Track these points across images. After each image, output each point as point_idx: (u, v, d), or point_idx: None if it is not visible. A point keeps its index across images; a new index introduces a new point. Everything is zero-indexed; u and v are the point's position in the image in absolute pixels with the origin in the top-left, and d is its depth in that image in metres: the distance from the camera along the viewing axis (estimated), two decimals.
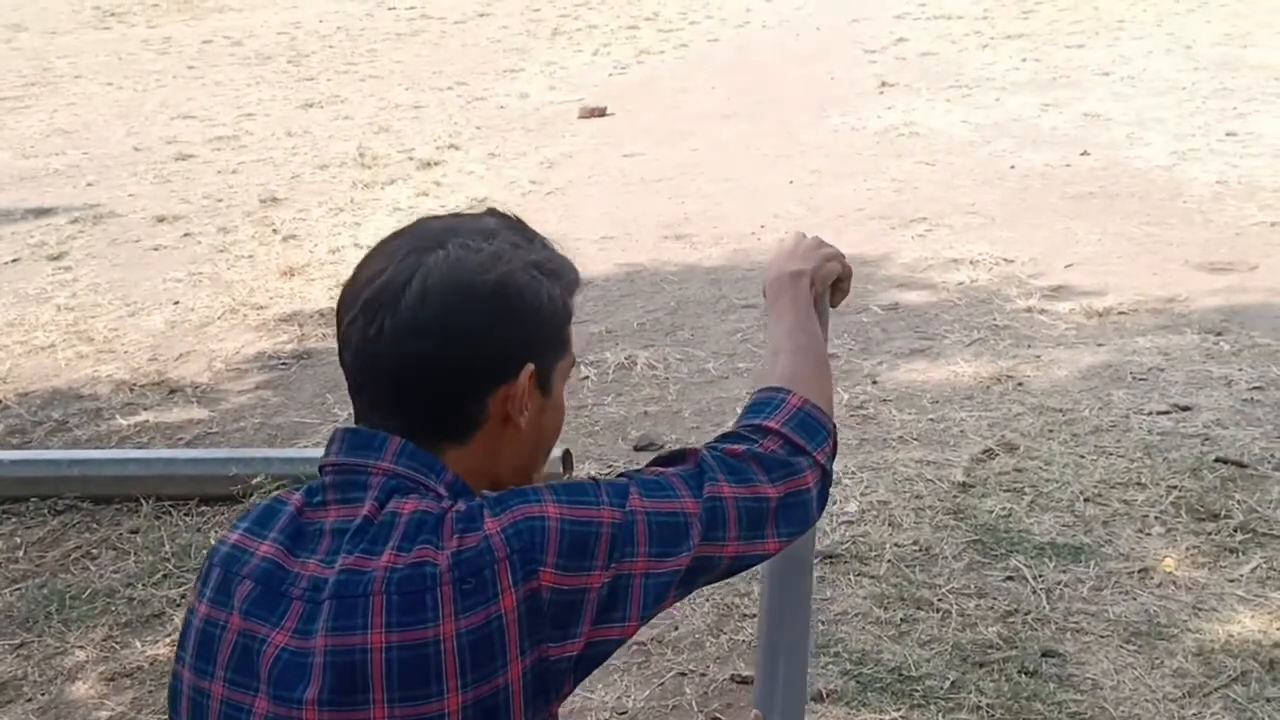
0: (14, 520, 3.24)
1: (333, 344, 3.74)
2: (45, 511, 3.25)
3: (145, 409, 3.93)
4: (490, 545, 0.91)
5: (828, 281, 1.33)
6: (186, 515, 3.20)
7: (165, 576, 2.94)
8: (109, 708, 2.51)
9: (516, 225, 1.04)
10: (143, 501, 3.23)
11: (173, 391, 4.04)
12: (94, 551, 3.08)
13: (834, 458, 1.13)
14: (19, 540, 3.14)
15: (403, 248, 0.97)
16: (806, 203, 5.68)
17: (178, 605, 2.80)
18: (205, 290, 4.99)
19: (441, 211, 5.91)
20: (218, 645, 0.95)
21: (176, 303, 4.87)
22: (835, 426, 1.14)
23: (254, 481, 3.17)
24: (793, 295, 1.23)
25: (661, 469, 1.04)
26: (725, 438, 1.07)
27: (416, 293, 0.95)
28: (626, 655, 2.53)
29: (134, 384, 4.12)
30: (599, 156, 6.83)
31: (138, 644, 2.69)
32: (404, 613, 0.89)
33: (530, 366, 0.99)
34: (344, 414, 3.80)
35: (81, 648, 2.70)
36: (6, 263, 5.54)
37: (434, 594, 0.90)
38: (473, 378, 0.97)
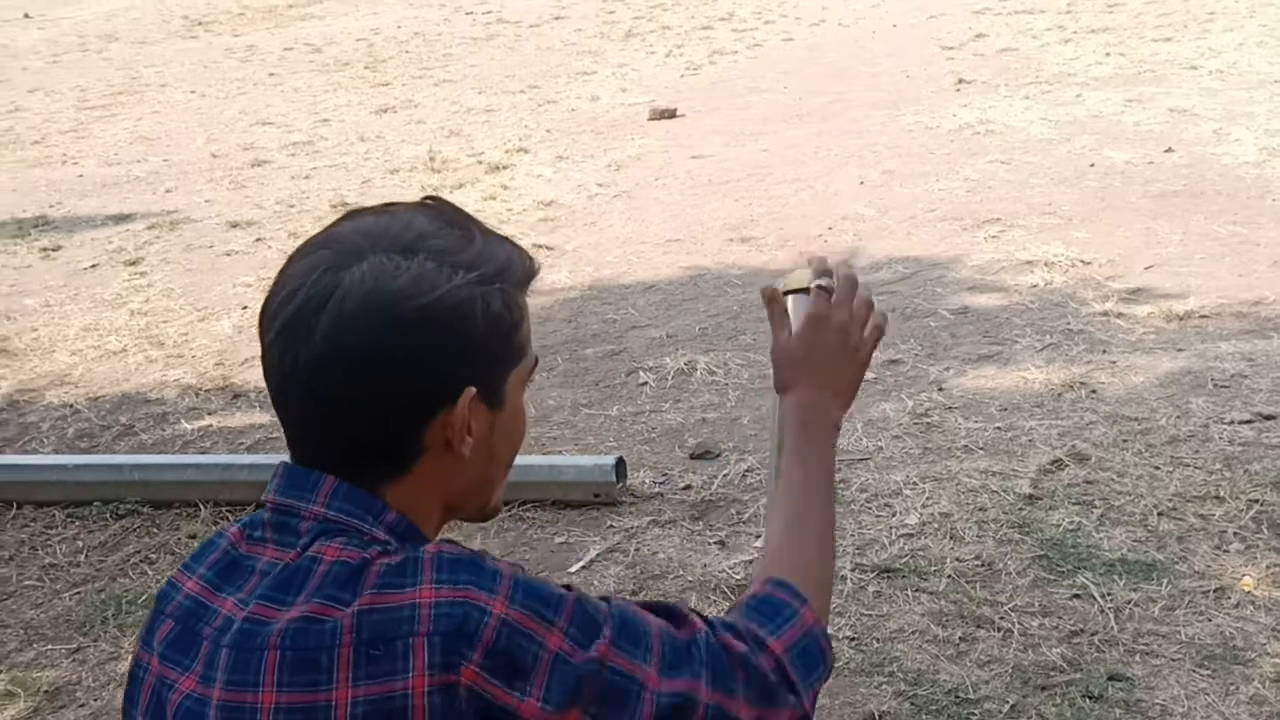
0: (77, 524, 3.28)
1: None
2: (107, 516, 3.29)
3: (210, 414, 3.97)
4: (415, 614, 0.82)
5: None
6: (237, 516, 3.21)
7: None
8: None
9: (451, 220, 0.94)
10: (201, 506, 3.25)
11: (236, 396, 4.07)
12: (152, 556, 3.10)
13: (820, 690, 0.99)
14: (80, 544, 3.18)
15: (319, 262, 0.88)
16: (876, 204, 5.56)
17: None
18: None
19: (501, 214, 5.92)
20: (139, 690, 0.91)
21: (245, 308, 4.91)
22: (833, 655, 1.02)
23: None
24: (823, 449, 1.08)
25: (650, 617, 0.91)
26: (730, 625, 0.94)
27: (332, 319, 0.86)
28: None
29: (200, 389, 4.16)
30: (667, 158, 6.77)
31: None
32: (295, 672, 0.82)
33: (470, 390, 0.91)
34: None
35: None
36: (85, 268, 5.65)
37: (330, 654, 0.82)
38: (403, 410, 0.89)
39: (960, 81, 7.83)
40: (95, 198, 6.94)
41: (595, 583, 2.80)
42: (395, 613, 0.82)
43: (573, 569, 2.87)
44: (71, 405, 4.11)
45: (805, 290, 1.70)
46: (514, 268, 0.96)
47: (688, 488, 3.19)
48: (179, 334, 4.71)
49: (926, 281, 4.57)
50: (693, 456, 3.37)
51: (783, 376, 1.13)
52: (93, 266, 5.67)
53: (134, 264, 5.63)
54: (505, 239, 0.98)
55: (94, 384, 4.29)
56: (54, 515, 3.31)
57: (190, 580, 0.93)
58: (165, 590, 0.94)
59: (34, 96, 10.59)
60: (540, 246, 5.40)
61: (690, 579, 2.76)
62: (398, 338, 0.87)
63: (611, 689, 0.85)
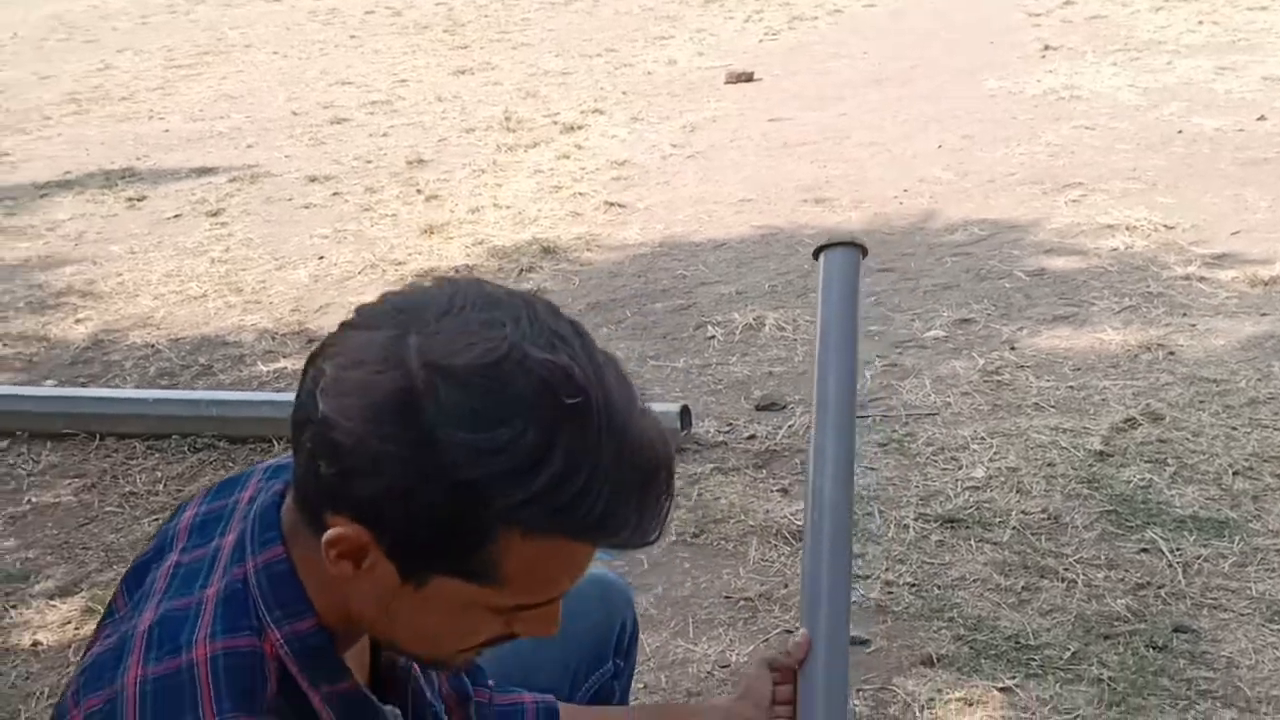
0: (157, 456, 3.37)
1: None
2: (185, 449, 3.37)
3: (285, 357, 4.05)
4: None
5: None
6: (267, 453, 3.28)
7: None
8: None
9: (521, 383, 0.80)
10: (274, 443, 3.31)
11: (310, 341, 4.14)
12: None
13: None
14: (159, 475, 3.27)
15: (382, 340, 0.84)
16: (955, 167, 5.48)
17: None
18: (349, 246, 5.11)
19: (574, 173, 5.94)
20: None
21: (321, 258, 4.99)
22: None
23: None
24: None
25: None
26: None
27: (334, 358, 0.85)
28: (733, 610, 2.48)
29: (276, 333, 4.24)
30: (743, 121, 6.73)
31: None
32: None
33: (360, 530, 0.83)
34: None
35: None
36: (169, 218, 5.78)
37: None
38: (314, 479, 0.85)
39: (1046, 48, 7.66)
40: (180, 152, 7.08)
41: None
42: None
43: None
44: (153, 345, 4.22)
45: (842, 245, 1.69)
46: (540, 509, 0.80)
47: (752, 437, 3.19)
48: (257, 281, 4.80)
49: (1003, 244, 4.49)
50: (758, 408, 3.37)
51: None
52: (176, 216, 5.79)
53: (215, 215, 5.74)
54: (620, 471, 0.82)
55: (175, 326, 4.39)
56: (134, 447, 3.40)
57: (188, 513, 0.96)
58: (173, 512, 0.97)
59: (123, 56, 10.83)
60: (612, 204, 5.41)
61: (751, 523, 2.76)
62: (330, 410, 0.82)
63: None
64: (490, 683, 1.31)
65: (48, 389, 3.76)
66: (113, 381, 3.93)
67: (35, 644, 2.56)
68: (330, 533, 0.83)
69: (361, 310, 0.88)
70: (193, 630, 0.88)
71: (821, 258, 1.68)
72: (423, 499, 0.80)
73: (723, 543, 2.72)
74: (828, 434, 1.49)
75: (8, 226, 5.84)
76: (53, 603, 2.71)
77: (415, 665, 1.08)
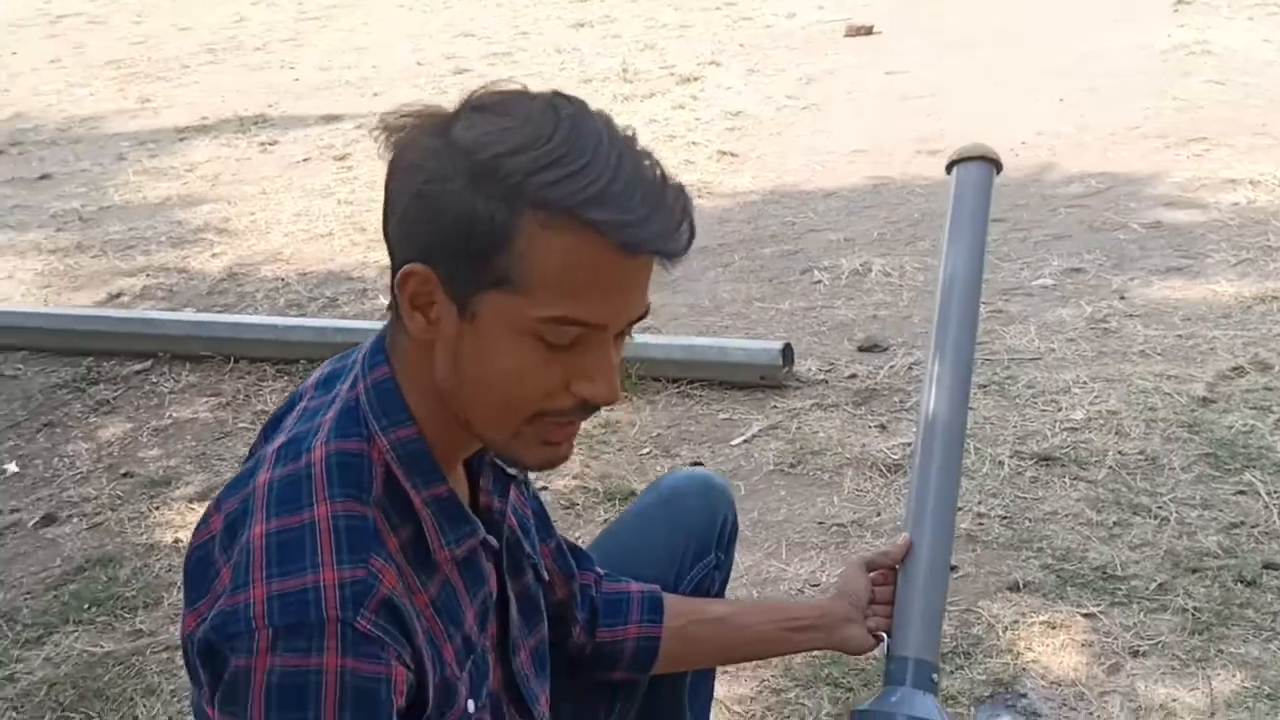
0: (285, 378, 3.57)
1: None
2: (312, 372, 3.56)
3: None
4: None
5: None
6: None
7: None
8: None
9: (549, 119, 0.93)
10: None
11: None
12: None
13: None
14: (288, 395, 3.47)
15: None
16: (1075, 121, 5.39)
17: None
18: None
19: (689, 123, 6.00)
20: None
21: None
22: None
23: None
24: None
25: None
26: None
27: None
28: (825, 535, 2.56)
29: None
30: (860, 74, 6.70)
31: None
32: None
33: (423, 267, 0.95)
34: None
35: None
36: (298, 161, 6.02)
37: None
38: (391, 248, 1.00)
39: (1179, 1, 7.44)
40: (309, 99, 7.34)
41: (756, 455, 2.91)
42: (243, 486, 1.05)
43: (735, 442, 2.98)
44: (283, 279, 4.44)
45: (976, 159, 1.74)
46: (546, 184, 0.91)
47: (853, 376, 3.24)
48: (379, 222, 4.98)
49: (1120, 196, 4.44)
50: (861, 349, 3.42)
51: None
52: (304, 160, 6.03)
53: (342, 159, 5.96)
54: (624, 168, 0.93)
55: (303, 262, 4.60)
56: (265, 369, 3.61)
57: (316, 373, 1.16)
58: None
59: (257, 8, 11.18)
60: (725, 154, 5.47)
61: (848, 456, 2.83)
62: (390, 174, 0.99)
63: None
64: (599, 570, 1.42)
65: (187, 315, 4.00)
66: (246, 310, 4.16)
67: (176, 540, 2.77)
68: (401, 270, 0.96)
69: None
70: (312, 441, 1.02)
71: (954, 171, 1.72)
72: (450, 191, 0.92)
73: (819, 473, 2.79)
74: (946, 357, 1.56)
75: (151, 168, 6.16)
76: (191, 505, 2.93)
77: (511, 515, 1.20)
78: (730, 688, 2.10)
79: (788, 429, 3.00)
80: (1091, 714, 1.96)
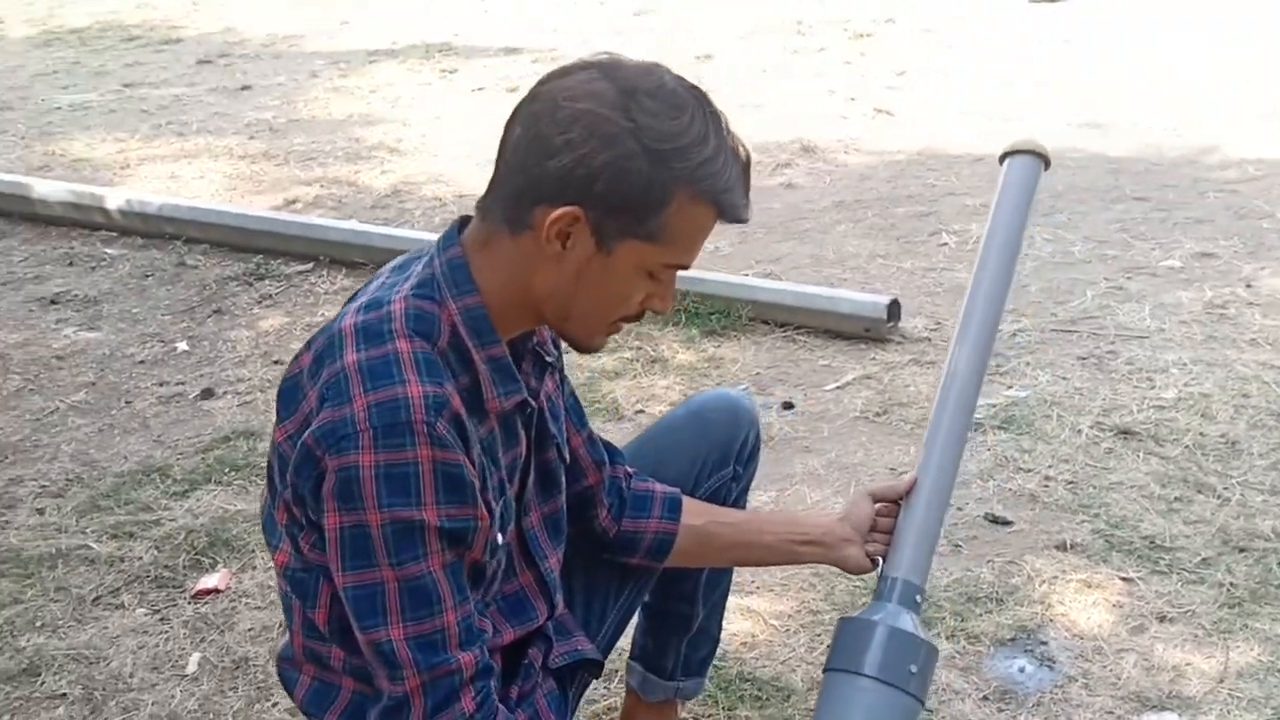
0: None
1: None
2: None
3: None
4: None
5: None
6: None
7: None
8: None
9: (689, 104, 1.19)
10: None
11: None
12: None
13: None
14: None
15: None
16: (1254, 105, 5.24)
17: None
18: None
19: (853, 79, 6.04)
20: None
21: None
22: None
23: None
24: None
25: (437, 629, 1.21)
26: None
27: (538, 96, 1.20)
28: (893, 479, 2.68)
29: None
30: (1037, 43, 6.61)
31: None
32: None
33: (578, 210, 1.17)
34: (712, 246, 4.13)
35: None
36: (474, 90, 6.33)
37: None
38: (533, 180, 1.18)
39: None
40: (493, 32, 7.64)
41: (845, 401, 3.04)
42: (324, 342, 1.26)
43: (828, 387, 3.12)
44: (440, 199, 4.74)
45: (1026, 153, 1.84)
46: (701, 174, 1.18)
47: None
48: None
49: (1275, 185, 4.33)
50: None
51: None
52: (479, 89, 6.33)
53: (513, 90, 6.23)
54: (736, 160, 1.22)
55: (463, 185, 4.89)
56: None
57: (392, 261, 1.41)
58: None
59: None
60: (881, 111, 5.52)
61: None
62: (557, 123, 1.17)
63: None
64: (630, 469, 1.62)
65: (350, 224, 4.33)
66: (403, 225, 4.47)
67: None
68: (554, 213, 1.17)
69: None
70: (392, 297, 1.25)
71: (1005, 163, 1.84)
72: (632, 166, 1.16)
73: (901, 424, 2.91)
74: (973, 321, 1.69)
75: (340, 86, 6.57)
76: None
77: (543, 398, 1.40)
78: (772, 603, 2.28)
79: (881, 380, 3.13)
80: (1105, 667, 2.06)
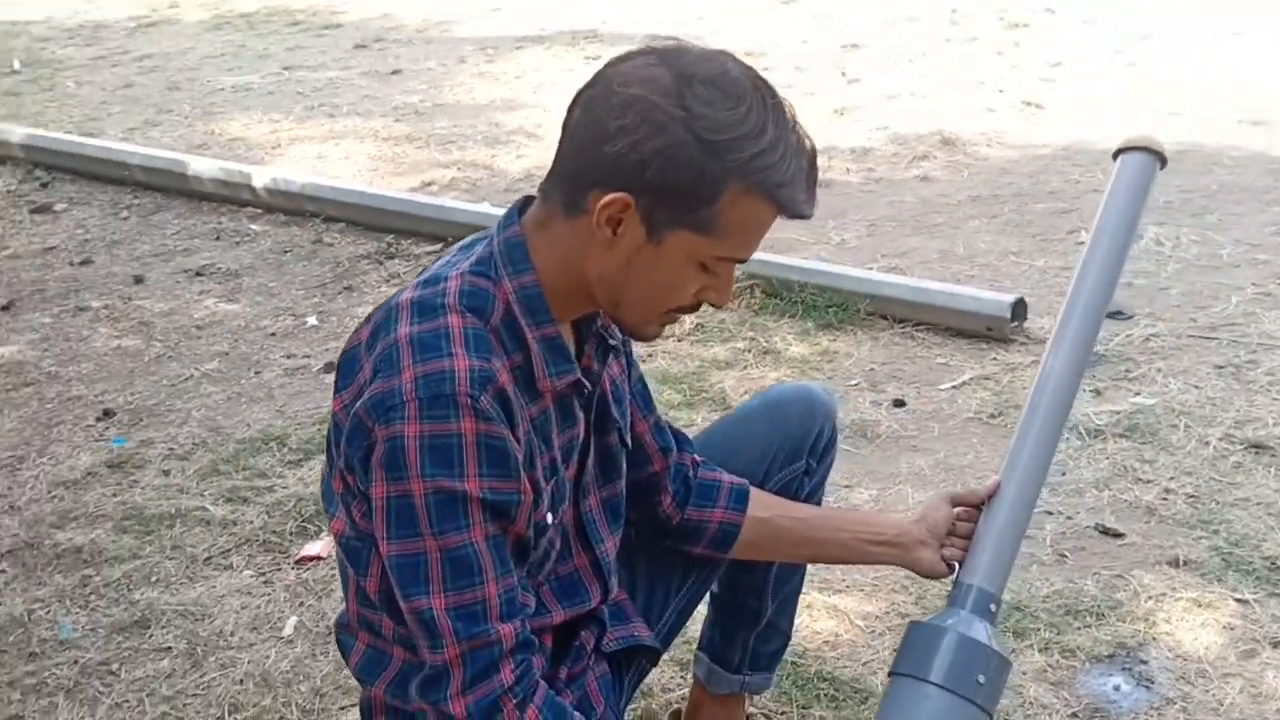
0: None
1: (853, 178, 4.07)
2: None
3: None
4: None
5: None
6: None
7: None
8: None
9: (747, 93, 1.15)
10: None
11: None
12: None
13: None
14: None
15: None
16: None
17: (644, 359, 3.27)
18: None
19: (1003, 70, 5.84)
20: None
21: None
22: None
23: None
24: None
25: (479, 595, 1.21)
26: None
27: (598, 80, 1.20)
28: None
29: None
30: (1201, 33, 6.28)
31: None
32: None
33: (628, 197, 1.16)
34: (838, 238, 4.06)
35: None
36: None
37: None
38: (588, 164, 1.18)
39: None
40: (640, 19, 7.66)
41: (960, 401, 2.95)
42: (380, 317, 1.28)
43: (943, 386, 3.04)
44: None
45: (1142, 150, 1.74)
46: (755, 167, 1.15)
47: None
48: None
49: None
50: (1108, 315, 3.34)
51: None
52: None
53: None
54: (799, 154, 1.18)
55: None
56: None
57: (459, 242, 1.39)
58: None
59: None
60: (1030, 104, 5.33)
61: None
62: (611, 108, 1.16)
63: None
64: (698, 457, 1.60)
65: (482, 207, 4.40)
66: None
67: None
68: (605, 198, 1.17)
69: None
70: (450, 273, 1.27)
71: (1118, 160, 1.76)
72: (682, 156, 1.14)
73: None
74: (1072, 322, 1.62)
75: (485, 71, 6.69)
76: None
77: (606, 381, 1.40)
78: (860, 603, 2.23)
79: (999, 381, 3.02)
80: (1208, 692, 1.95)
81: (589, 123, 1.18)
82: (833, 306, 3.41)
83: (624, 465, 1.46)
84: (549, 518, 1.31)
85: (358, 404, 1.21)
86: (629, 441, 1.47)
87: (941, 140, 4.89)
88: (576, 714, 1.26)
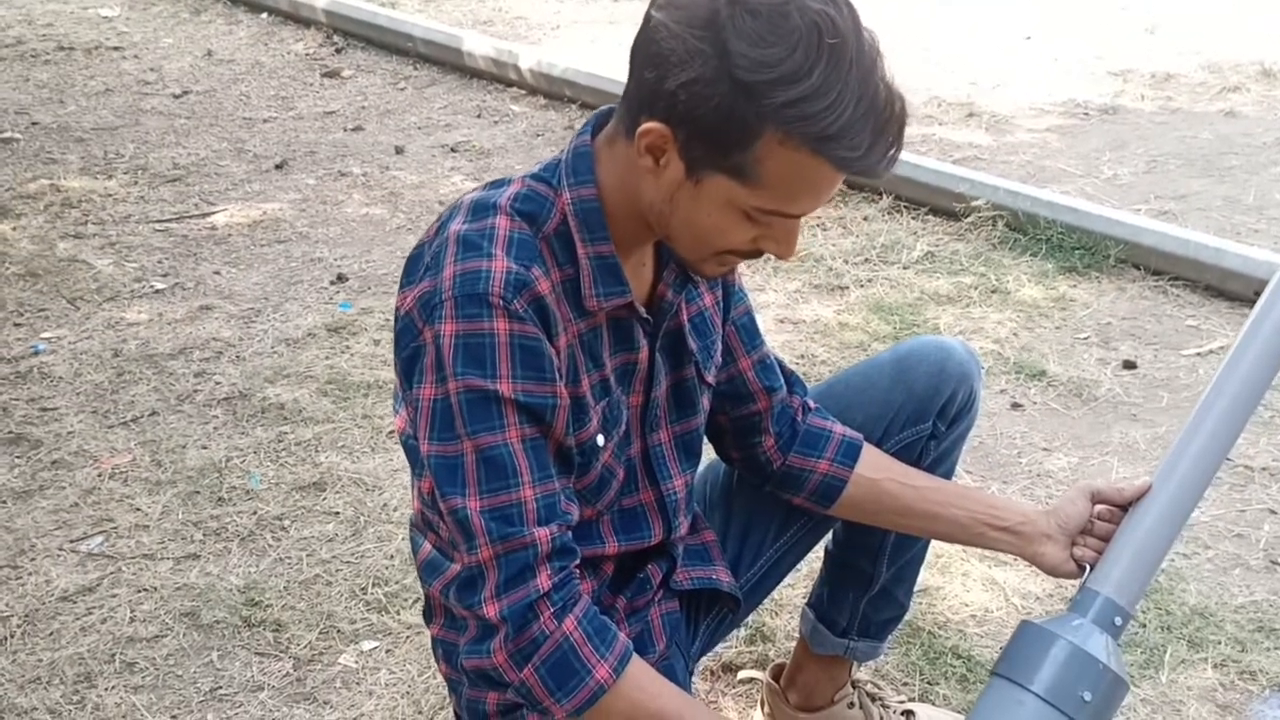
0: None
1: (1147, 106, 3.72)
2: None
3: (940, 124, 4.19)
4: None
5: None
6: (913, 218, 3.46)
7: (865, 260, 3.26)
8: None
9: (808, 36, 1.02)
10: (883, 195, 3.54)
11: (971, 115, 4.23)
12: (825, 225, 3.50)
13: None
14: None
15: None
16: None
17: (863, 284, 3.11)
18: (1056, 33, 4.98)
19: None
20: None
21: (1028, 38, 4.95)
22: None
23: (974, 204, 3.31)
24: None
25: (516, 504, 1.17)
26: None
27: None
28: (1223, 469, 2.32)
29: (941, 100, 4.38)
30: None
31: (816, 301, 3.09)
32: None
33: (664, 127, 1.07)
34: (1111, 172, 3.70)
35: None
36: None
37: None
38: (640, 86, 1.10)
39: None
40: None
41: (1200, 371, 2.65)
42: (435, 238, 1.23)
43: (1186, 351, 2.73)
44: None
45: None
46: (792, 114, 1.03)
47: None
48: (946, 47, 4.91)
49: None
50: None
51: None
52: None
53: None
54: (861, 105, 1.03)
55: None
56: None
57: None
58: None
59: None
60: None
61: None
62: (653, 29, 1.08)
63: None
64: (810, 402, 1.49)
65: None
66: None
67: None
68: (643, 125, 1.10)
69: None
70: (514, 178, 1.24)
71: None
72: (711, 93, 1.05)
73: (1261, 409, 2.48)
74: (1276, 308, 1.39)
75: None
76: None
77: (684, 310, 1.31)
78: (1023, 580, 2.06)
79: None
80: None
81: (640, 42, 1.11)
82: (1080, 249, 3.12)
83: (702, 403, 1.38)
84: (599, 439, 1.25)
85: (408, 300, 1.20)
86: (710, 378, 1.38)
87: (1261, 71, 4.34)
88: (622, 635, 1.20)
